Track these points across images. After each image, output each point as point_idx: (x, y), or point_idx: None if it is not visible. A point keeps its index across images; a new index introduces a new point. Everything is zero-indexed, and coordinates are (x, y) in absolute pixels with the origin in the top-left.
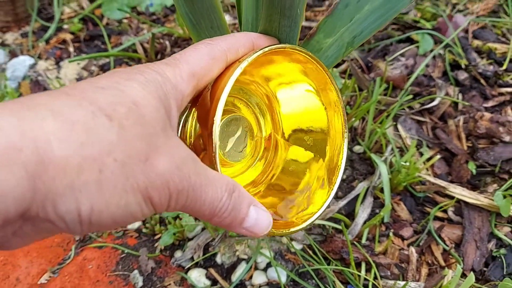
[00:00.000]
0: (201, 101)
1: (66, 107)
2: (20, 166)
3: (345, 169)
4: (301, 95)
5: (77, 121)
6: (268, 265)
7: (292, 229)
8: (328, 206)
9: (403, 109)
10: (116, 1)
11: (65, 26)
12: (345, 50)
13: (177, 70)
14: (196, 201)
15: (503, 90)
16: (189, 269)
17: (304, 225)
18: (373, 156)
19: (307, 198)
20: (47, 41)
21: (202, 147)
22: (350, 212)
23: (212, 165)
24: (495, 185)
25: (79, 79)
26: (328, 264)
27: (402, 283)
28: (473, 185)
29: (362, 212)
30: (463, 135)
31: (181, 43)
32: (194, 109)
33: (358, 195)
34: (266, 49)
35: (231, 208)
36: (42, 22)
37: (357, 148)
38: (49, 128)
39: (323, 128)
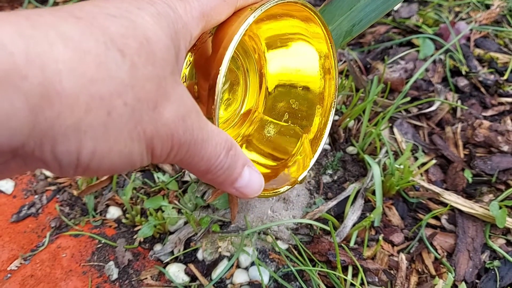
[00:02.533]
0: (201, 46)
1: (76, 33)
2: (22, 96)
3: (337, 170)
4: (297, 54)
5: (88, 52)
6: (251, 264)
7: (278, 191)
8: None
9: (400, 112)
10: None
11: None
12: (343, 39)
13: (188, 6)
14: (195, 156)
15: (503, 100)
16: (168, 263)
17: (284, 189)
18: (366, 157)
19: (288, 165)
20: None
21: (196, 95)
22: (339, 214)
23: (210, 117)
24: (491, 195)
25: None
26: (314, 266)
27: None
28: (469, 194)
29: (352, 214)
30: (460, 143)
31: None
32: (190, 53)
33: (348, 197)
34: (280, 0)
35: (227, 167)
36: (36, 3)
37: (350, 149)
38: (59, 55)
39: (313, 92)
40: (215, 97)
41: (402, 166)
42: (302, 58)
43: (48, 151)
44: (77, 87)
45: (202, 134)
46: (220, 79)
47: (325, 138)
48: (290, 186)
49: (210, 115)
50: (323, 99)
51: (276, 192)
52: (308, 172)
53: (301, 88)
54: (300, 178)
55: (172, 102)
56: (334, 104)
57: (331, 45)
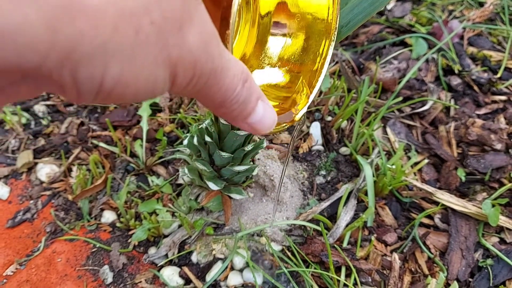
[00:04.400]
0: None
1: None
2: (37, 6)
3: (330, 171)
4: None
5: None
6: (245, 265)
7: (278, 128)
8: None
9: (393, 112)
10: None
11: None
12: None
13: None
14: (213, 86)
15: (497, 98)
16: (162, 266)
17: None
18: (359, 157)
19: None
20: None
21: None
22: (332, 215)
23: (225, 44)
24: (484, 194)
25: None
26: (307, 267)
27: None
28: (462, 192)
29: (345, 215)
30: (453, 142)
31: None
32: None
33: (341, 197)
34: None
35: (242, 100)
36: None
37: (343, 150)
38: None
39: (319, 16)
40: (230, 21)
41: (394, 166)
42: None
43: (68, 75)
44: (104, 0)
45: (221, 63)
46: (235, 2)
47: (323, 73)
48: (288, 124)
49: (225, 42)
50: (327, 31)
51: (277, 128)
52: (306, 110)
53: (301, 19)
54: (298, 117)
55: (196, 25)
56: (334, 37)
57: None
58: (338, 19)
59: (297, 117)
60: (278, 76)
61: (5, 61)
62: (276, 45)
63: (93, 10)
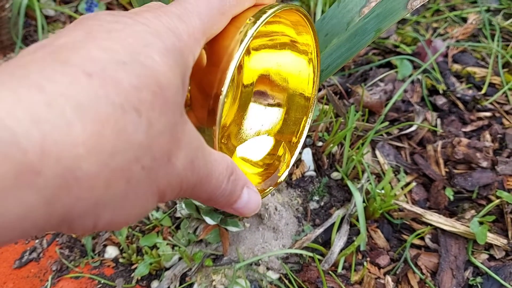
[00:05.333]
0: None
1: (92, 100)
2: (36, 193)
3: (323, 196)
4: (283, 57)
5: (107, 121)
6: None
7: (265, 192)
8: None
9: (381, 135)
10: None
11: None
12: None
13: (191, 28)
14: (199, 191)
15: (482, 114)
16: None
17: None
18: (349, 183)
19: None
20: None
21: (188, 103)
22: (327, 240)
23: (211, 138)
24: (472, 211)
25: None
26: None
27: None
28: (451, 211)
29: (338, 241)
30: (441, 161)
31: None
32: None
33: (334, 223)
34: (277, 8)
35: (227, 193)
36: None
37: (334, 175)
38: (78, 137)
39: (294, 93)
40: (217, 118)
41: (383, 191)
42: (288, 60)
43: (65, 228)
44: (97, 166)
45: (207, 170)
46: (222, 100)
47: (301, 143)
48: (274, 188)
49: (211, 136)
50: (307, 102)
51: (265, 193)
52: (288, 171)
53: (281, 82)
54: (281, 179)
55: (183, 148)
56: (311, 113)
57: (316, 51)
58: (316, 96)
59: (281, 180)
60: (262, 144)
61: (8, 239)
62: (257, 114)
63: (88, 177)
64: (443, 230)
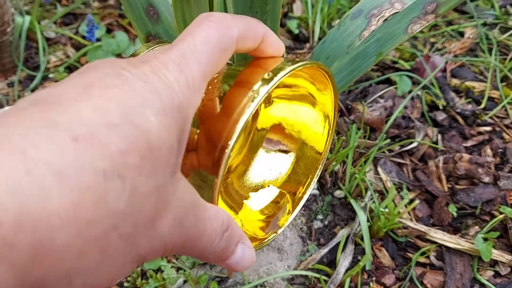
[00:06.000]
0: (206, 103)
1: (74, 168)
2: (7, 264)
3: (327, 215)
4: (300, 105)
5: (87, 190)
6: None
7: (263, 242)
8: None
9: (383, 152)
10: (101, 49)
11: (51, 75)
12: None
13: (190, 78)
14: (188, 249)
15: (482, 129)
16: None
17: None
18: (353, 202)
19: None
20: (32, 91)
21: (194, 146)
22: (332, 260)
23: (210, 187)
24: (476, 227)
25: None
26: None
27: None
28: (455, 227)
29: (344, 261)
30: (443, 176)
31: None
32: None
33: (339, 243)
34: (298, 65)
35: (220, 250)
36: (28, 71)
37: (338, 193)
38: (54, 207)
39: (310, 144)
40: (219, 171)
41: (387, 209)
42: (305, 113)
43: None
44: (71, 237)
45: (197, 229)
46: (228, 154)
47: (305, 198)
48: (272, 239)
49: (212, 188)
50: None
51: (262, 244)
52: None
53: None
54: (280, 231)
55: (170, 210)
56: (320, 168)
57: (334, 110)
58: (327, 152)
59: (281, 230)
60: (266, 192)
61: None
62: (267, 158)
63: (60, 249)
64: (447, 248)
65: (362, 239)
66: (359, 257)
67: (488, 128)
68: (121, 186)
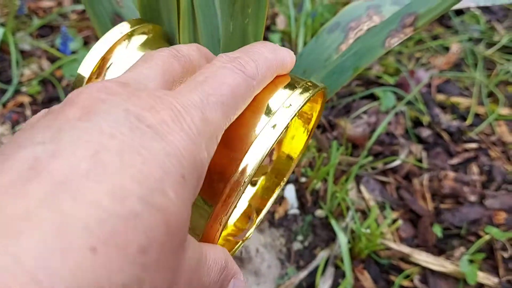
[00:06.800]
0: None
1: (91, 285)
2: None
3: (307, 235)
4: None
5: None
6: None
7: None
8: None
9: (366, 169)
10: (77, 62)
11: (24, 89)
12: None
13: (212, 128)
14: None
15: (468, 146)
16: None
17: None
18: (333, 223)
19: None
20: (4, 105)
21: None
22: (311, 283)
23: (205, 215)
24: (462, 248)
25: None
26: None
27: None
28: (440, 248)
29: (323, 284)
30: (428, 195)
31: None
32: None
33: (319, 266)
34: (312, 92)
35: None
36: (1, 85)
37: (319, 212)
38: None
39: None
40: (229, 209)
41: (369, 230)
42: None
43: None
44: None
45: (197, 285)
46: (243, 189)
47: (267, 209)
48: (242, 244)
49: (216, 222)
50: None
51: (234, 251)
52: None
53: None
54: (248, 235)
55: (178, 285)
56: (284, 182)
57: (315, 121)
58: (298, 160)
59: (246, 236)
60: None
61: None
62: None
63: None
64: (432, 271)
65: (343, 261)
66: (340, 281)
67: (474, 145)
68: None
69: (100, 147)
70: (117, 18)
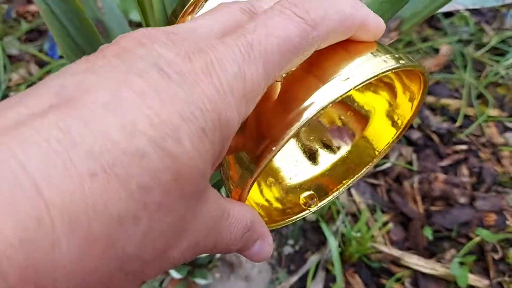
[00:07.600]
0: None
1: (88, 212)
2: None
3: (298, 239)
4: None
5: (96, 240)
6: None
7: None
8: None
9: None
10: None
11: (12, 94)
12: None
13: (249, 85)
14: (201, 253)
15: (458, 148)
16: None
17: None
18: (323, 227)
19: None
20: None
21: (243, 125)
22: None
23: (244, 181)
24: (452, 250)
25: None
26: None
27: None
28: (431, 251)
29: None
30: (418, 198)
31: None
32: None
33: (309, 270)
34: (402, 65)
35: (237, 249)
36: None
37: (310, 216)
38: (60, 260)
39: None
40: (256, 172)
41: (359, 234)
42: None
43: None
44: (74, 285)
45: (215, 242)
46: (271, 156)
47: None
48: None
49: (252, 169)
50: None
51: (285, 222)
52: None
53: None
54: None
55: (187, 236)
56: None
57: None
58: (381, 156)
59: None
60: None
61: None
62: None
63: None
64: (423, 273)
65: (334, 265)
66: (331, 285)
67: (464, 147)
68: (133, 230)
69: (124, 84)
70: (99, 25)
